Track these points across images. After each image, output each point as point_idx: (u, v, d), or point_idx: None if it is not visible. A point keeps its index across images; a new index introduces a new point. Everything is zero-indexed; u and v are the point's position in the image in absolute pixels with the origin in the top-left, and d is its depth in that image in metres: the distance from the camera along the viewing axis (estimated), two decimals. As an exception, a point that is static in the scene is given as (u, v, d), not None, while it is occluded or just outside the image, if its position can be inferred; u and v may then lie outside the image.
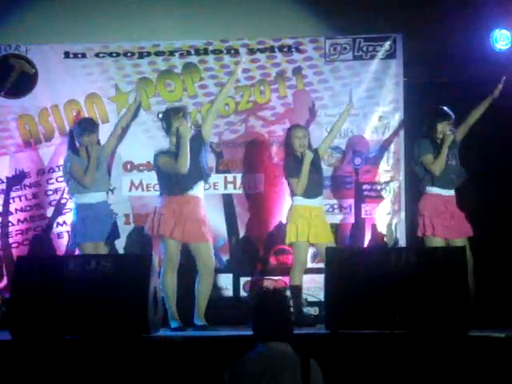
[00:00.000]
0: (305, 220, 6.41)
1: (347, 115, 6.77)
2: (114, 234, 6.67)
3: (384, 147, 7.24)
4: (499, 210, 7.04)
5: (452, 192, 6.46)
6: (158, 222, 6.16)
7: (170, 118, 6.30)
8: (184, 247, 6.26)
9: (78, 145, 6.66)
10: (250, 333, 5.33)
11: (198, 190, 6.28)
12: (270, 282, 7.09)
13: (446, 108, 6.51)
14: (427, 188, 6.46)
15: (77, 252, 6.70)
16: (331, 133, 6.80)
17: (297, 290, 6.36)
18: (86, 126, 6.66)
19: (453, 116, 6.47)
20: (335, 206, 7.22)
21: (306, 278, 6.73)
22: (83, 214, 6.53)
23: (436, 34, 7.13)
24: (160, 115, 6.45)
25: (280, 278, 7.07)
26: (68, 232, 7.02)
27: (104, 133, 7.09)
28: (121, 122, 6.99)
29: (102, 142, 6.88)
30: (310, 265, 6.89)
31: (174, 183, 6.20)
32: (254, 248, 7.24)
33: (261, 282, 7.11)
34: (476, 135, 6.65)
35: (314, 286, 6.75)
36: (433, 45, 7.14)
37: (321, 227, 6.46)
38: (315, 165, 6.53)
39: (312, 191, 6.49)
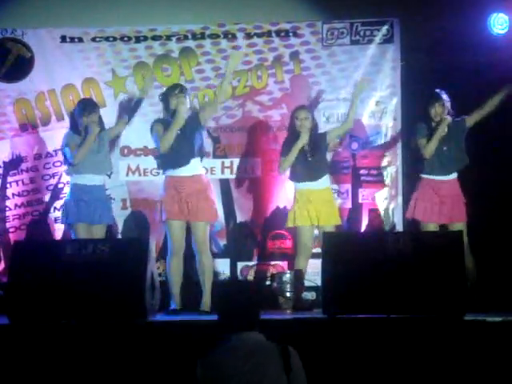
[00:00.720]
0: (302, 204, 6.41)
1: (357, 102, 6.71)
2: (107, 218, 6.64)
3: (381, 132, 7.23)
4: (499, 196, 7.03)
5: (445, 177, 6.40)
6: (161, 209, 6.26)
7: (167, 95, 6.40)
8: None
9: (79, 125, 6.62)
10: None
11: (194, 168, 6.29)
12: (267, 266, 7.11)
13: (438, 90, 6.46)
14: (421, 172, 6.45)
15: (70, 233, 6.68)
16: (345, 124, 6.72)
17: (298, 274, 6.37)
18: (86, 105, 6.63)
19: (445, 98, 6.42)
20: (333, 191, 7.20)
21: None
22: (78, 195, 6.50)
23: (433, 18, 7.10)
24: (160, 97, 6.52)
25: (277, 262, 7.08)
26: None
27: (102, 117, 7.07)
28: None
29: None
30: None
31: (169, 158, 6.30)
32: (252, 233, 7.24)
33: (259, 267, 7.13)
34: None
35: (311, 271, 6.74)
36: (430, 29, 7.11)
37: (323, 210, 6.44)
38: (313, 148, 6.48)
39: (307, 174, 6.46)
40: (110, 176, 7.16)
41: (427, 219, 6.34)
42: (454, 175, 6.44)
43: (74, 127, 6.63)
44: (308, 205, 6.41)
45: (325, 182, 6.56)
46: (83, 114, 6.55)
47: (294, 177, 6.54)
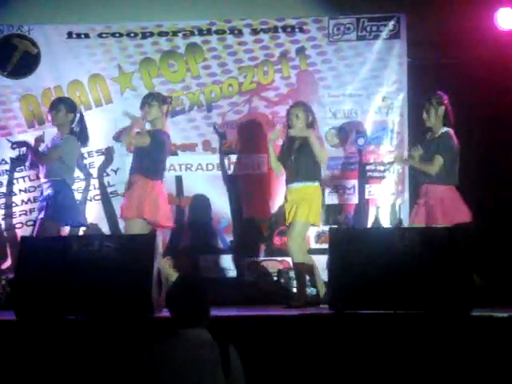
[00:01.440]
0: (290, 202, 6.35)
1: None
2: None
3: (388, 128, 7.22)
4: (503, 192, 7.02)
5: (429, 182, 6.27)
6: None
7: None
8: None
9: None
10: (252, 313, 5.38)
11: None
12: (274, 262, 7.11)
13: (439, 92, 6.33)
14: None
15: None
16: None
17: (298, 269, 6.35)
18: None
19: (444, 101, 6.29)
20: (339, 187, 7.21)
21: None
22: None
23: (440, 14, 7.09)
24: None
25: (283, 258, 7.08)
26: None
27: (107, 112, 7.10)
28: None
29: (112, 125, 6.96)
30: (313, 245, 6.90)
31: None
32: (258, 229, 7.24)
33: (264, 263, 7.13)
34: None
35: (317, 267, 6.74)
36: (437, 24, 7.10)
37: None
38: (300, 148, 6.33)
39: (289, 176, 6.35)
40: (116, 172, 7.19)
41: (415, 222, 6.30)
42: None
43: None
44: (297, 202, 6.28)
45: (305, 183, 6.33)
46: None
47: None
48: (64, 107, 6.61)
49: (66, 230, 6.78)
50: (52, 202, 6.43)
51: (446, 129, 6.27)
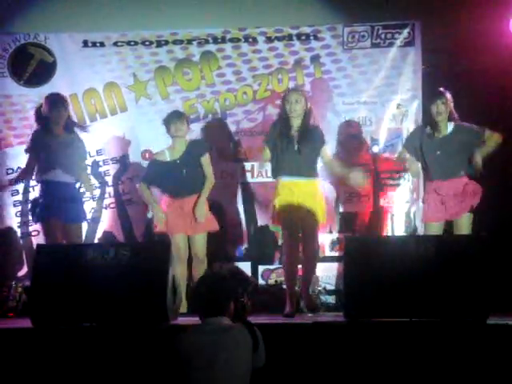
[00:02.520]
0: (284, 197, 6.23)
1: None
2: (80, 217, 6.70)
3: (402, 135, 7.21)
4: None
5: (446, 180, 6.25)
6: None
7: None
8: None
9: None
10: (266, 321, 5.37)
11: None
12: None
13: (442, 89, 6.30)
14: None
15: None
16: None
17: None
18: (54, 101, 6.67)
19: (449, 98, 6.26)
20: (353, 195, 7.20)
21: (324, 266, 6.75)
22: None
23: (454, 21, 7.08)
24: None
25: (298, 266, 7.06)
26: (88, 221, 7.04)
27: (123, 121, 7.14)
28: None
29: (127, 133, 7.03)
30: (328, 253, 6.89)
31: None
32: (272, 236, 7.23)
33: (278, 271, 7.12)
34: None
35: (332, 275, 6.74)
36: (451, 32, 7.10)
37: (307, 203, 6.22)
38: (303, 138, 6.15)
39: (293, 168, 6.15)
40: (132, 180, 7.22)
41: (430, 220, 6.28)
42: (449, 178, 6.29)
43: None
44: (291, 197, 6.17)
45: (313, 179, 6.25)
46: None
47: (278, 170, 6.23)
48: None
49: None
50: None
51: (457, 123, 6.26)
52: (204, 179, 6.41)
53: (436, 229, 6.21)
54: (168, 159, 6.47)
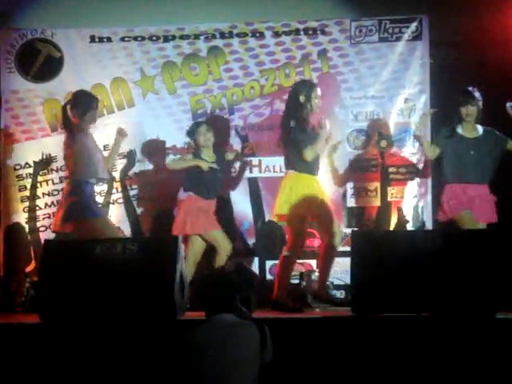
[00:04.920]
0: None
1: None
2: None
3: (410, 130, 7.19)
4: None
5: (473, 183, 6.25)
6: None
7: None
8: None
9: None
10: (275, 315, 5.37)
11: None
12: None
13: (470, 88, 6.36)
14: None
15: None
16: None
17: None
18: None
19: (478, 97, 6.34)
20: (361, 189, 7.19)
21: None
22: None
23: (462, 15, 7.06)
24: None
25: (305, 260, 7.06)
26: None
27: (131, 117, 7.14)
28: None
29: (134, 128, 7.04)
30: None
31: None
32: (280, 231, 7.22)
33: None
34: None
35: (340, 269, 6.73)
36: (459, 26, 7.07)
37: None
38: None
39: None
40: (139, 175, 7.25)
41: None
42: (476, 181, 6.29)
43: None
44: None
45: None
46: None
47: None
48: None
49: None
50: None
51: (487, 127, 6.28)
52: None
53: (469, 216, 6.19)
54: (204, 168, 6.59)
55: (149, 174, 7.35)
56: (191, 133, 6.75)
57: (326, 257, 6.37)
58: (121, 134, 6.83)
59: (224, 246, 6.54)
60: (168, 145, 7.33)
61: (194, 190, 6.59)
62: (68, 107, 6.59)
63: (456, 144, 6.33)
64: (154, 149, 7.33)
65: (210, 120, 7.16)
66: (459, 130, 6.38)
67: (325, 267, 6.40)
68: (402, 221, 7.00)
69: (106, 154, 6.99)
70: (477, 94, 6.32)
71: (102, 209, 7.03)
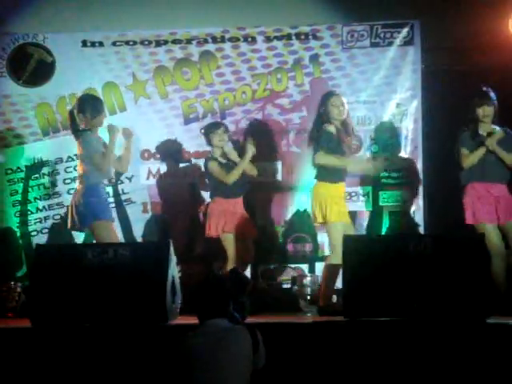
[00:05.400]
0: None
1: None
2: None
3: (402, 134, 7.20)
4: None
5: (497, 182, 6.24)
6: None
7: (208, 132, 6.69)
8: None
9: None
10: (266, 320, 5.37)
11: None
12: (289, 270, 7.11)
13: (485, 89, 6.30)
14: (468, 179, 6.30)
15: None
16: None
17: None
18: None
19: (493, 98, 6.26)
20: (353, 194, 7.19)
21: (323, 265, 6.75)
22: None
23: (454, 20, 7.08)
24: (202, 130, 6.79)
25: (297, 265, 7.07)
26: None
27: (122, 121, 7.14)
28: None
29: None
30: (327, 252, 6.87)
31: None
32: (272, 236, 7.23)
33: (278, 271, 7.13)
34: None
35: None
36: (450, 31, 7.09)
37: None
38: None
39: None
40: (130, 180, 7.23)
41: (485, 220, 6.17)
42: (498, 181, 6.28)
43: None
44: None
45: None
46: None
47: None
48: None
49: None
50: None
51: (505, 128, 6.28)
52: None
53: (493, 230, 6.14)
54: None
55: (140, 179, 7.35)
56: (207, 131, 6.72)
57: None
58: (126, 134, 6.69)
59: (231, 253, 6.50)
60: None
61: (219, 194, 6.60)
62: (75, 112, 6.54)
63: (477, 144, 6.28)
64: (169, 149, 7.33)
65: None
66: (481, 131, 6.31)
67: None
68: (411, 225, 7.02)
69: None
70: (492, 95, 6.28)
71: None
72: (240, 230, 6.52)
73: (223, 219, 6.52)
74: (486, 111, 6.28)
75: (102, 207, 6.38)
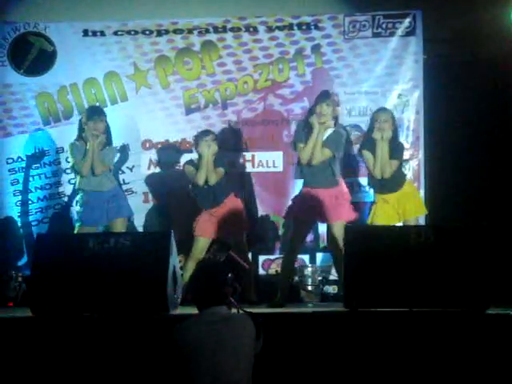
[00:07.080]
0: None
1: None
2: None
3: (403, 125, 7.19)
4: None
5: None
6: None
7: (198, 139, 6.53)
8: None
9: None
10: (266, 310, 5.37)
11: None
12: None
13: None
14: None
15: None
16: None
17: None
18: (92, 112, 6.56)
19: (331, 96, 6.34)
20: (354, 184, 7.19)
21: (324, 256, 6.75)
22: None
23: (456, 11, 7.07)
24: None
25: (299, 256, 7.06)
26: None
27: (123, 110, 7.13)
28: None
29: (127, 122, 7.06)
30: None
31: None
32: (273, 226, 7.23)
33: (279, 261, 7.12)
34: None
35: (332, 265, 6.73)
36: (452, 21, 7.08)
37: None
38: None
39: None
40: (132, 169, 7.22)
41: None
42: None
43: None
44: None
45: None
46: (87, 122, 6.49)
47: None
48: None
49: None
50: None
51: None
52: None
53: None
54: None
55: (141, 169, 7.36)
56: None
57: None
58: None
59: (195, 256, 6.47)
60: (161, 139, 7.33)
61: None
62: (82, 121, 6.54)
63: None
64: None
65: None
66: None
67: None
68: None
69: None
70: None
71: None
72: (227, 235, 6.40)
73: (208, 230, 6.47)
74: (324, 111, 6.22)
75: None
